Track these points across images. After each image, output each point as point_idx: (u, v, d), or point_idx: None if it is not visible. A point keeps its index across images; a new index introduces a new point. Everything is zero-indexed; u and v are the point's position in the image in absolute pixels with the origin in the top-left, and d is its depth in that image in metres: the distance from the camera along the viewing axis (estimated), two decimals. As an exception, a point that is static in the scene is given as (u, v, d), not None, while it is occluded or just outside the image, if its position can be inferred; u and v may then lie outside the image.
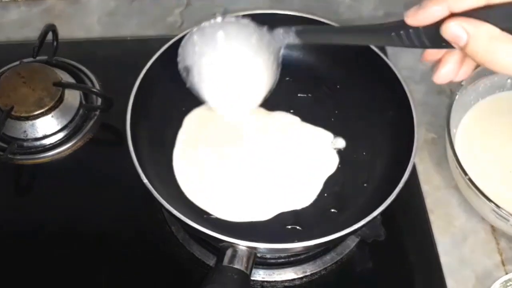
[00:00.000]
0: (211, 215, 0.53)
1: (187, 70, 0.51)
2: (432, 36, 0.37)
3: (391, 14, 0.75)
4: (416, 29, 0.38)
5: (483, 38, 0.34)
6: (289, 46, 0.55)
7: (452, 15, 0.36)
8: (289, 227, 0.53)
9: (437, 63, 0.40)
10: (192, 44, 0.50)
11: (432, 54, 0.41)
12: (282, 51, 0.51)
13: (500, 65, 0.35)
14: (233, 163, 0.56)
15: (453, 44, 0.36)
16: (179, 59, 0.51)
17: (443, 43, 0.37)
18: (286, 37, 0.49)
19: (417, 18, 0.37)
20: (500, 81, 0.63)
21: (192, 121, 0.58)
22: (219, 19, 0.50)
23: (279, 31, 0.49)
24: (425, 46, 0.39)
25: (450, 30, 0.35)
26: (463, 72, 0.40)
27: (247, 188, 0.54)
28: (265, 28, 0.50)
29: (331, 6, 0.76)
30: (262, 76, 0.51)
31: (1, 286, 0.54)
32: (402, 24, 0.39)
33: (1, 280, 0.54)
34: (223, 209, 0.53)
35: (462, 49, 0.36)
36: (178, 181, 0.54)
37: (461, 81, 0.60)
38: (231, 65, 0.50)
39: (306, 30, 0.49)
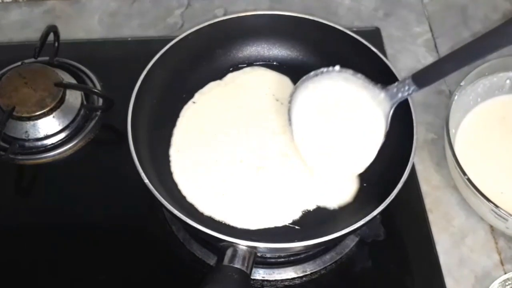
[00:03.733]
0: (212, 217, 0.53)
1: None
2: None
3: (391, 15, 0.75)
4: None
5: None
6: (282, 47, 0.56)
7: None
8: (289, 228, 0.53)
9: None
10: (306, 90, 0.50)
11: None
12: (392, 111, 0.49)
13: None
14: (232, 164, 0.56)
15: None
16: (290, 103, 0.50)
17: None
18: (400, 91, 0.47)
19: None
20: (499, 81, 0.63)
21: (187, 120, 0.58)
22: (337, 67, 0.50)
23: (393, 87, 0.47)
24: None
25: None
26: None
27: (246, 192, 0.54)
28: (378, 86, 0.48)
29: (331, 6, 0.76)
30: (366, 145, 0.50)
31: (2, 286, 0.55)
32: None
33: (2, 279, 0.55)
34: (224, 212, 0.53)
35: None
36: (177, 183, 0.55)
37: (460, 82, 0.60)
38: (337, 127, 0.50)
39: (423, 72, 0.46)
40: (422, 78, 0.47)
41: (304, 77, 0.51)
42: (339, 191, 0.54)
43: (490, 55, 0.44)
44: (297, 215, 0.53)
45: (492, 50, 0.44)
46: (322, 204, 0.54)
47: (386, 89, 0.48)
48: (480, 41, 0.44)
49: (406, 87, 0.47)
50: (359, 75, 0.50)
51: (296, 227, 0.52)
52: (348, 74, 0.51)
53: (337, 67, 0.50)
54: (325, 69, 0.51)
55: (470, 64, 0.45)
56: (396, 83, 0.48)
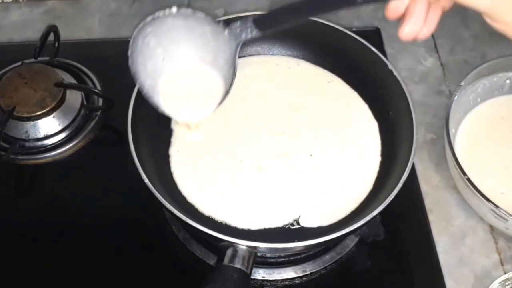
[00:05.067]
0: (212, 217, 0.53)
1: (138, 67, 0.47)
2: None
3: (391, 15, 0.75)
4: None
5: None
6: (282, 47, 0.55)
7: None
8: (289, 226, 0.53)
9: (402, 19, 0.37)
10: (144, 38, 0.46)
11: (396, 8, 0.38)
12: (238, 49, 0.47)
13: None
14: (233, 164, 0.56)
15: None
16: (129, 52, 0.46)
17: None
18: (244, 31, 0.46)
19: None
20: (498, 81, 0.63)
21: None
22: (174, 9, 0.46)
23: (236, 25, 0.46)
24: None
25: None
26: (430, 24, 0.37)
27: (246, 192, 0.54)
28: (221, 24, 0.47)
29: (331, 7, 0.76)
30: (216, 80, 0.48)
31: (3, 286, 0.55)
32: None
33: (2, 280, 0.55)
34: (225, 212, 0.53)
35: None
36: (177, 183, 0.55)
37: (460, 82, 0.60)
38: (183, 67, 0.47)
39: (264, 16, 0.45)
40: (262, 21, 0.45)
41: (140, 25, 0.46)
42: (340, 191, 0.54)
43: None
44: (297, 215, 0.53)
45: (333, 8, 0.43)
46: (322, 204, 0.54)
47: (229, 28, 0.47)
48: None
49: (249, 29, 0.46)
50: (200, 13, 0.47)
51: (296, 227, 0.52)
52: (188, 12, 0.47)
53: (174, 9, 0.46)
54: (161, 13, 0.46)
55: (307, 16, 0.45)
56: (238, 23, 0.46)
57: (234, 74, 0.48)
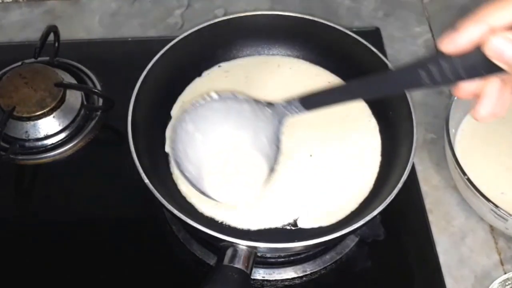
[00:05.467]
0: (212, 217, 0.53)
1: (180, 155, 0.48)
2: (470, 64, 0.33)
3: (391, 15, 0.75)
4: (448, 59, 0.34)
5: None
6: (282, 47, 0.56)
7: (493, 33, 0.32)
8: (289, 226, 0.53)
9: (474, 100, 0.35)
10: (183, 125, 0.47)
11: (466, 89, 0.35)
12: (283, 126, 0.48)
13: None
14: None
15: (500, 63, 0.32)
16: (169, 142, 0.48)
17: (483, 71, 0.33)
18: (289, 109, 0.46)
19: (454, 42, 0.33)
20: (498, 81, 0.63)
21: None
22: (215, 95, 0.47)
23: (280, 104, 0.46)
24: (460, 78, 0.34)
25: (495, 46, 0.31)
26: (505, 103, 0.35)
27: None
28: (263, 103, 0.47)
29: (331, 7, 0.76)
30: (257, 159, 0.49)
31: (3, 286, 0.55)
32: (430, 58, 0.35)
33: (2, 280, 0.55)
34: (224, 212, 0.53)
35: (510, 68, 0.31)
36: (177, 183, 0.55)
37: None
38: (222, 150, 0.48)
39: (311, 96, 0.45)
40: (309, 102, 0.46)
41: (180, 113, 0.47)
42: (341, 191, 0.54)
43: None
44: (297, 215, 0.53)
45: (378, 94, 0.43)
46: (322, 203, 0.53)
47: (273, 107, 0.47)
48: (369, 82, 0.41)
49: (294, 107, 0.46)
50: (241, 95, 0.48)
51: (297, 227, 0.52)
52: (228, 95, 0.48)
53: (215, 95, 0.47)
54: (201, 101, 0.47)
55: (357, 99, 0.45)
56: (283, 102, 0.47)
57: (278, 149, 0.48)
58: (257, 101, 0.48)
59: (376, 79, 0.41)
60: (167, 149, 0.56)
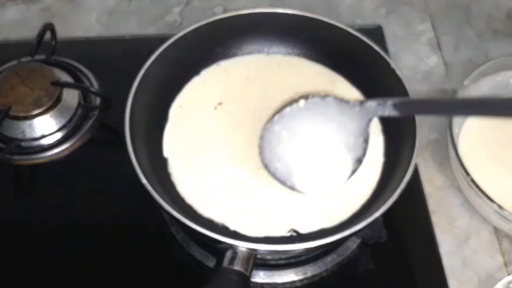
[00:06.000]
0: (211, 218, 0.52)
1: (268, 156, 0.50)
2: None
3: (393, 13, 0.75)
4: None
5: None
6: (282, 45, 0.56)
7: None
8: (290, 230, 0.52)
9: None
10: (271, 129, 0.49)
11: None
12: (370, 124, 0.48)
13: None
14: (232, 164, 0.55)
15: None
16: (260, 148, 0.50)
17: None
18: (379, 109, 0.47)
19: None
20: (502, 81, 0.62)
21: (182, 116, 0.58)
22: (302, 103, 0.48)
23: (372, 104, 0.47)
24: None
25: None
26: None
27: (246, 193, 0.53)
28: (353, 103, 0.48)
29: (332, 4, 0.75)
30: (342, 152, 0.50)
31: (1, 287, 0.54)
32: None
33: (0, 280, 0.54)
34: (224, 214, 0.52)
35: None
36: (176, 184, 0.54)
37: (464, 81, 0.59)
38: (312, 148, 0.49)
39: (407, 103, 0.46)
40: (404, 107, 0.46)
41: (268, 124, 0.49)
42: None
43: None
44: (298, 216, 0.52)
45: (479, 114, 0.45)
46: (323, 205, 0.53)
47: (363, 105, 0.48)
48: (475, 103, 0.43)
49: (387, 109, 0.47)
50: (328, 97, 0.48)
51: (298, 233, 0.51)
52: (315, 101, 0.48)
53: (302, 102, 0.48)
54: (287, 109, 0.48)
55: (454, 115, 0.47)
56: (375, 102, 0.47)
57: (366, 142, 0.49)
58: (345, 100, 0.48)
59: (481, 101, 0.43)
60: (166, 153, 0.55)
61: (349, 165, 0.50)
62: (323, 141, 0.50)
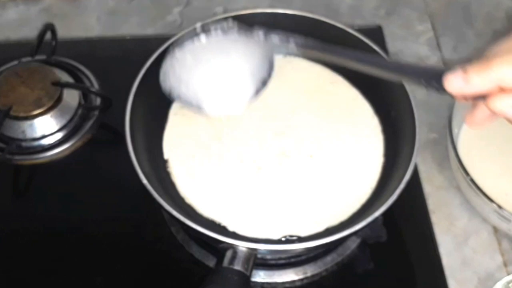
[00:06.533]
0: (211, 218, 0.52)
1: (173, 86, 0.51)
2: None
3: (393, 13, 0.75)
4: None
5: None
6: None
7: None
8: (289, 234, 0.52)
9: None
10: (174, 57, 0.50)
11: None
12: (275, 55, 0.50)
13: None
14: (232, 164, 0.55)
15: (501, 116, 0.35)
16: (161, 78, 0.51)
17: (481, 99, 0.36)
18: (282, 46, 0.47)
19: (461, 90, 0.36)
20: (502, 80, 0.62)
21: (182, 116, 0.58)
22: (203, 39, 0.49)
23: (275, 38, 0.47)
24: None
25: (499, 107, 0.35)
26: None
27: (246, 193, 0.53)
28: (256, 37, 0.49)
29: (332, 5, 0.75)
30: (248, 77, 0.51)
31: (1, 287, 0.54)
32: (431, 74, 0.38)
33: (0, 280, 0.54)
34: (224, 214, 0.52)
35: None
36: (176, 184, 0.54)
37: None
38: (216, 73, 0.51)
39: (309, 45, 0.47)
40: (303, 47, 0.47)
41: (167, 56, 0.50)
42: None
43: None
44: (298, 216, 0.52)
45: (370, 70, 0.44)
46: (323, 205, 0.53)
47: (266, 38, 0.49)
48: (369, 57, 0.45)
49: (289, 47, 0.48)
50: (232, 34, 0.49)
51: (297, 236, 0.51)
52: (217, 32, 0.49)
53: (203, 39, 0.49)
54: (189, 42, 0.49)
55: (349, 64, 0.45)
56: (279, 36, 0.48)
57: (270, 67, 0.51)
58: (248, 33, 0.49)
59: (378, 58, 0.45)
60: (166, 153, 0.55)
61: (252, 86, 0.52)
62: (227, 66, 0.50)
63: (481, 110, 0.37)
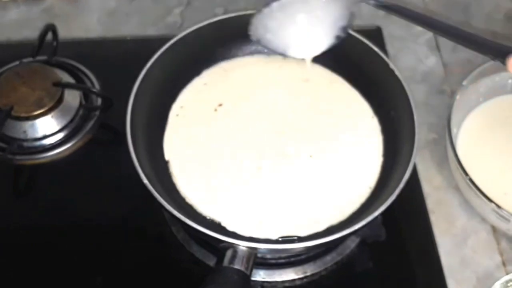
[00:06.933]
0: (212, 218, 0.53)
1: (262, 36, 0.56)
2: None
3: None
4: None
5: None
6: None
7: None
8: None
9: None
10: (263, 18, 0.54)
11: None
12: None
13: None
14: (232, 164, 0.55)
15: None
16: (251, 32, 0.55)
17: None
18: None
19: None
20: (501, 81, 0.63)
21: (182, 116, 0.58)
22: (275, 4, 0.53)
23: None
24: None
25: None
26: None
27: (246, 193, 0.53)
28: None
29: (332, 5, 0.75)
30: (331, 26, 0.56)
31: (1, 287, 0.54)
32: (499, 51, 0.42)
33: (1, 280, 0.54)
34: (224, 213, 0.52)
35: None
36: (176, 183, 0.54)
37: (462, 81, 0.59)
38: (301, 22, 0.55)
39: (388, 5, 0.52)
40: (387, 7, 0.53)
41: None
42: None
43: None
44: (297, 216, 0.52)
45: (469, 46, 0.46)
46: (323, 205, 0.53)
47: None
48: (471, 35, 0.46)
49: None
50: None
51: (297, 236, 0.52)
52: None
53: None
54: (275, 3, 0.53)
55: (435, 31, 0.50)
56: None
57: (350, 15, 0.55)
58: None
59: (453, 28, 0.47)
60: (167, 154, 0.56)
61: (333, 33, 0.56)
62: (309, 17, 0.55)
63: None
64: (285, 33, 0.56)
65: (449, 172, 0.60)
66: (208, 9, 0.75)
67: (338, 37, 0.56)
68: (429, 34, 0.73)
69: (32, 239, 0.57)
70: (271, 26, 0.55)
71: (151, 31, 0.73)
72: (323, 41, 0.57)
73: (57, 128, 0.62)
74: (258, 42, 0.56)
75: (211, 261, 0.54)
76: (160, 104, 0.57)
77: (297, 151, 0.56)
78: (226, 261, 0.45)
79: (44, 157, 0.61)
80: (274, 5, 0.53)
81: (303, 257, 0.55)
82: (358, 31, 0.58)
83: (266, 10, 0.53)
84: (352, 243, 0.56)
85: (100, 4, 0.75)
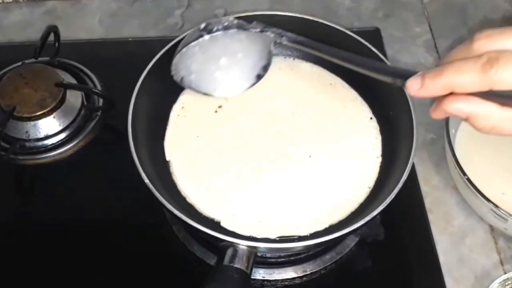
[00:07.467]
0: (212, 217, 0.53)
1: (184, 76, 0.56)
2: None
3: (391, 15, 0.75)
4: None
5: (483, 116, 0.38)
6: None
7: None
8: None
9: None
10: (183, 58, 0.55)
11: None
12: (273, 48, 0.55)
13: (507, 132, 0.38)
14: (233, 164, 0.56)
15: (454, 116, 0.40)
16: (173, 71, 0.55)
17: None
18: (277, 38, 0.53)
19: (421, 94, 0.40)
20: (498, 81, 0.63)
21: (183, 117, 0.59)
22: (206, 37, 0.53)
23: (271, 35, 0.53)
24: None
25: (451, 109, 0.39)
26: None
27: (247, 193, 0.54)
28: (254, 30, 0.54)
29: (331, 7, 0.76)
30: (248, 70, 0.57)
31: (2, 286, 0.55)
32: (398, 74, 0.43)
33: (2, 280, 0.55)
34: (224, 213, 0.53)
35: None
36: (177, 183, 0.55)
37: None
38: (220, 64, 0.56)
39: (298, 40, 0.53)
40: (294, 42, 0.54)
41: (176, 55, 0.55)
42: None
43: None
44: (297, 215, 0.53)
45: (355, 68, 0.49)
46: (322, 204, 0.53)
47: (263, 32, 0.54)
48: (349, 57, 0.49)
49: (283, 40, 0.54)
50: (232, 30, 0.54)
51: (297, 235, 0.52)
52: (219, 32, 0.54)
53: (207, 36, 0.54)
54: (194, 43, 0.54)
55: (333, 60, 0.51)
56: (274, 33, 0.54)
57: (266, 62, 0.57)
58: (246, 27, 0.54)
59: (356, 57, 0.49)
60: (168, 154, 0.56)
61: (255, 73, 0.58)
62: (230, 60, 0.56)
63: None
64: (206, 75, 0.56)
65: (447, 172, 0.61)
66: (209, 10, 0.75)
67: (259, 76, 0.58)
68: (427, 36, 0.73)
69: (34, 239, 0.57)
70: (193, 67, 0.55)
71: (152, 32, 0.73)
72: (245, 81, 0.58)
73: (59, 128, 0.62)
74: (181, 82, 0.56)
75: (212, 260, 0.55)
76: (161, 104, 0.58)
77: (297, 151, 0.56)
78: (226, 260, 0.46)
79: (46, 157, 0.62)
80: (192, 45, 0.53)
81: (303, 256, 0.55)
82: (357, 33, 0.59)
83: (184, 50, 0.54)
84: (351, 242, 0.56)
85: (101, 6, 0.75)
